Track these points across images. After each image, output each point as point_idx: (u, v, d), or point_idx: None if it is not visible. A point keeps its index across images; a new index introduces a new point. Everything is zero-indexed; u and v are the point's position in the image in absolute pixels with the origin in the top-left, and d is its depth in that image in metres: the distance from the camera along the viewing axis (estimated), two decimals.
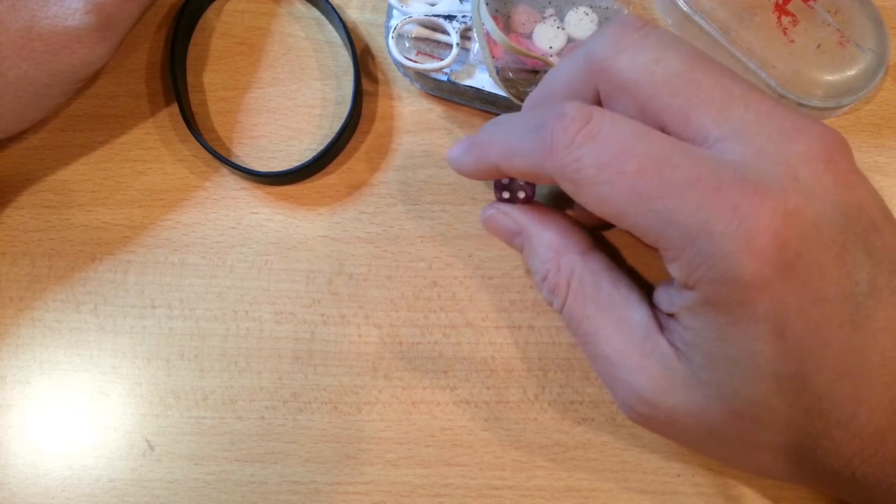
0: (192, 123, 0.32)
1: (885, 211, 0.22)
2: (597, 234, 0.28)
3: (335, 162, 0.32)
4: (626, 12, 0.32)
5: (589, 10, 0.31)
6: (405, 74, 0.32)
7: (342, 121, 0.31)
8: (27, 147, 0.32)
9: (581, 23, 0.31)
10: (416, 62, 0.31)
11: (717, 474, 0.29)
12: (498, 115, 0.32)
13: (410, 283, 0.31)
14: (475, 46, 0.31)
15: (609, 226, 0.29)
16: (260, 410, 0.30)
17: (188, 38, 0.33)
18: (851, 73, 0.31)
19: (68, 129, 0.33)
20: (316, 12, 0.34)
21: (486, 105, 0.32)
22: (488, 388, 0.30)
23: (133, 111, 0.33)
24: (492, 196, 0.30)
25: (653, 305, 0.24)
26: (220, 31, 0.34)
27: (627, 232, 0.22)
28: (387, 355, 0.30)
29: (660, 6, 0.34)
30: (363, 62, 0.33)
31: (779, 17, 0.31)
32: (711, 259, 0.20)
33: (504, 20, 0.32)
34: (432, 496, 0.29)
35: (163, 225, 0.32)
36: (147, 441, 0.29)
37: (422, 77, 0.32)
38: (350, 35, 0.32)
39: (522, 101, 0.31)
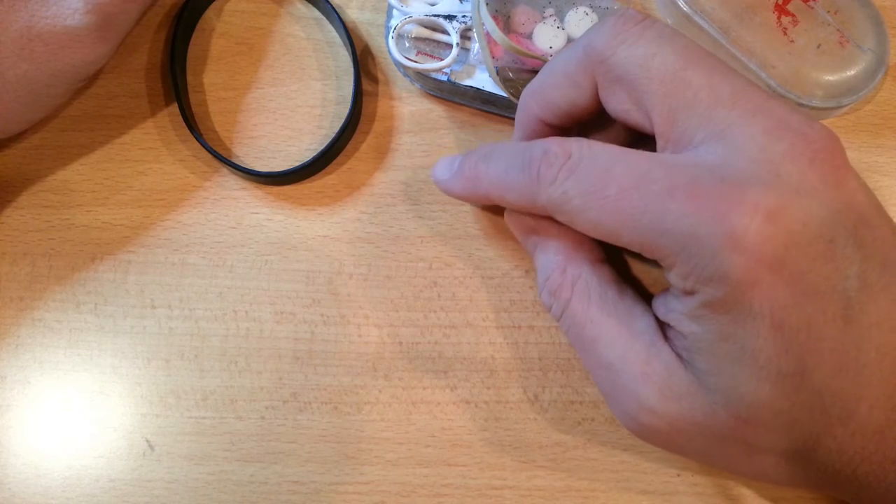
0: (192, 124, 0.32)
1: (877, 206, 0.22)
2: (609, 249, 0.28)
3: (335, 162, 0.32)
4: None
5: (589, 10, 0.31)
6: (405, 74, 0.32)
7: (342, 121, 0.31)
8: (27, 147, 0.32)
9: (581, 23, 0.31)
10: (416, 62, 0.31)
11: (717, 475, 0.29)
12: (498, 115, 0.32)
13: (410, 283, 0.31)
14: (475, 46, 0.31)
15: None
16: (260, 410, 0.30)
17: (188, 39, 0.33)
18: (851, 73, 0.31)
19: (68, 129, 0.33)
20: (316, 12, 0.34)
21: (486, 105, 0.32)
22: (488, 388, 0.30)
23: (133, 111, 0.33)
24: None
25: (656, 318, 0.25)
26: (220, 31, 0.34)
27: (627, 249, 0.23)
28: (387, 355, 0.30)
29: (660, 6, 0.34)
30: (363, 62, 0.33)
31: (779, 17, 0.32)
32: (702, 261, 0.21)
33: (504, 20, 0.32)
34: (432, 496, 0.29)
35: (163, 225, 0.32)
36: (147, 441, 0.29)
37: (422, 77, 0.32)
38: (350, 35, 0.32)
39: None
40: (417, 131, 0.33)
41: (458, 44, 0.31)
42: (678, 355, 0.23)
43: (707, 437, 0.23)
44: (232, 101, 0.33)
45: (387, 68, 0.33)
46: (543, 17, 0.32)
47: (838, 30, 0.31)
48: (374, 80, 0.33)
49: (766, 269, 0.20)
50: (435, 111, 0.33)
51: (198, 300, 0.31)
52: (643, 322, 0.24)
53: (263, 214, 0.32)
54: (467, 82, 0.31)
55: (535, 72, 0.32)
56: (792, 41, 0.31)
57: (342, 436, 0.29)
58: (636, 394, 0.23)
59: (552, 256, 0.26)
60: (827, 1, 0.32)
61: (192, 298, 0.31)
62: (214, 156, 0.31)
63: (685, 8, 0.32)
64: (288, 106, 0.33)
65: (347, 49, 0.33)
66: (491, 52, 0.30)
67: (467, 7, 0.31)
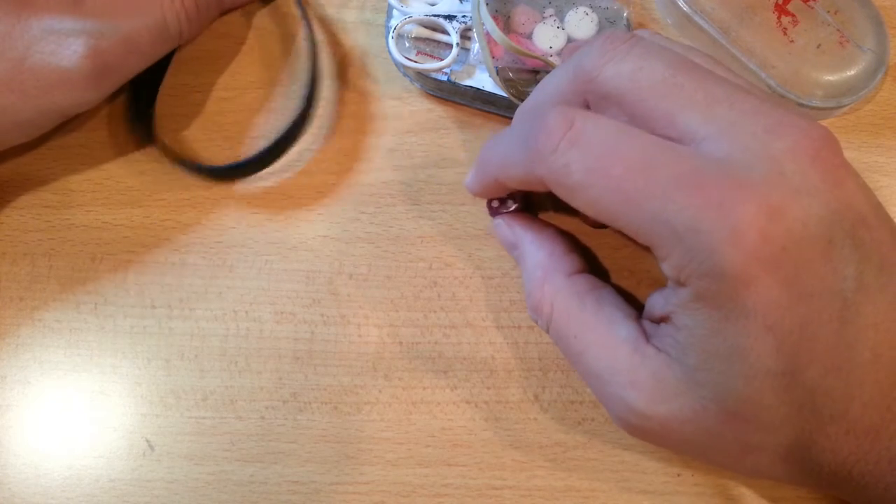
0: (147, 125, 0.31)
1: (875, 206, 0.22)
2: (590, 256, 0.28)
3: (335, 162, 0.32)
4: (625, 13, 0.32)
5: (589, 10, 0.31)
6: (405, 74, 0.32)
7: (341, 120, 0.32)
8: (27, 147, 0.32)
9: (581, 23, 0.31)
10: (416, 62, 0.31)
11: (717, 474, 0.29)
12: (498, 115, 0.32)
13: (410, 283, 0.31)
14: (475, 46, 0.31)
15: None
16: (260, 410, 0.30)
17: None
18: (851, 73, 0.31)
19: (68, 129, 0.33)
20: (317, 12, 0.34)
21: (486, 105, 0.32)
22: (488, 388, 0.30)
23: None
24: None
25: (639, 320, 0.25)
26: (220, 31, 0.34)
27: (621, 232, 0.23)
28: (387, 355, 0.30)
29: (660, 6, 0.34)
30: (363, 62, 0.33)
31: (779, 17, 0.32)
32: (699, 255, 0.21)
33: (504, 20, 0.32)
34: (432, 496, 0.29)
35: (163, 225, 0.32)
36: (147, 441, 0.29)
37: (422, 77, 0.32)
38: (306, 12, 0.32)
39: (522, 101, 0.31)
40: (417, 131, 0.33)
41: (458, 44, 0.31)
42: (667, 353, 0.23)
43: (700, 434, 0.23)
44: (232, 101, 0.33)
45: (387, 68, 0.33)
46: (543, 17, 0.32)
47: (838, 30, 0.31)
48: (375, 80, 0.33)
49: (763, 268, 0.20)
50: (435, 111, 0.33)
51: (198, 300, 0.31)
52: (624, 329, 0.24)
53: (263, 214, 0.32)
54: (467, 82, 0.31)
55: (535, 72, 0.32)
56: (792, 41, 0.31)
57: (342, 436, 0.29)
58: (625, 400, 0.23)
59: (532, 272, 0.27)
60: (827, 1, 0.32)
61: (192, 298, 0.31)
62: (179, 161, 0.31)
63: (685, 8, 0.32)
64: (288, 106, 0.33)
65: (307, 39, 0.32)
66: (491, 52, 0.30)
67: (467, 7, 0.31)
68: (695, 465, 0.29)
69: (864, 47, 0.31)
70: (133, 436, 0.30)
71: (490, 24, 0.29)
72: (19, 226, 0.32)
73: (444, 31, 0.32)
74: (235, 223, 0.32)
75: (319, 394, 0.30)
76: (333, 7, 0.34)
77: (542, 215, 0.31)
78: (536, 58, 0.30)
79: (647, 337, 0.24)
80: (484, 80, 0.31)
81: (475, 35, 0.30)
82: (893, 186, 0.32)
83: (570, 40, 0.31)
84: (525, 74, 0.32)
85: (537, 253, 0.27)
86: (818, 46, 0.31)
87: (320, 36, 0.34)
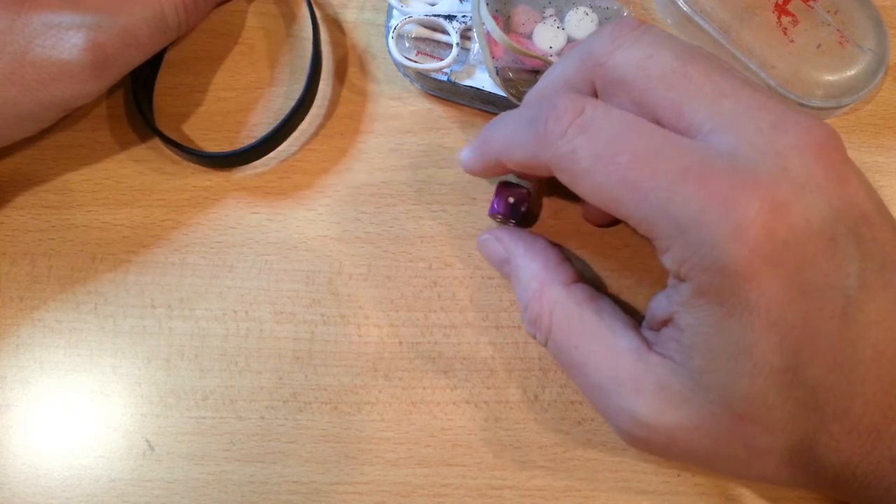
0: (145, 114, 0.32)
1: (878, 203, 0.22)
2: (582, 264, 0.28)
3: (335, 161, 0.32)
4: (626, 13, 0.32)
5: (589, 10, 0.31)
6: (405, 74, 0.32)
7: (342, 120, 0.32)
8: (27, 147, 0.32)
9: (581, 23, 0.31)
10: (416, 62, 0.31)
11: (717, 475, 0.29)
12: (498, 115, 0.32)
13: (410, 283, 0.31)
14: (475, 46, 0.31)
15: (615, 222, 0.30)
16: (260, 410, 0.30)
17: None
18: (851, 73, 0.31)
19: (68, 129, 0.33)
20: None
21: (486, 105, 0.32)
22: (488, 388, 0.30)
23: (133, 111, 0.33)
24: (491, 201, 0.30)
25: (638, 328, 0.25)
26: (220, 31, 0.34)
27: (621, 232, 0.23)
28: (387, 355, 0.30)
29: (660, 6, 0.34)
30: (363, 62, 0.33)
31: (779, 17, 0.32)
32: (702, 248, 0.21)
33: (504, 20, 0.32)
34: (432, 496, 0.29)
35: (163, 225, 0.32)
36: (147, 441, 0.29)
37: (422, 77, 0.32)
38: (313, 11, 0.32)
39: (522, 101, 0.31)
40: (417, 131, 0.33)
41: (458, 44, 0.31)
42: (671, 359, 0.23)
43: (707, 441, 0.23)
44: (232, 101, 0.33)
45: (387, 68, 0.33)
46: (543, 17, 0.32)
47: (838, 30, 0.31)
48: (375, 80, 0.33)
49: (765, 263, 0.20)
50: (435, 111, 0.33)
51: (198, 300, 0.31)
52: (625, 339, 0.24)
53: (263, 214, 0.32)
54: (467, 82, 0.31)
55: (535, 72, 0.32)
56: (792, 41, 0.31)
57: (342, 436, 0.29)
58: (631, 412, 0.23)
59: (527, 284, 0.27)
60: (827, 1, 0.32)
61: (192, 298, 0.31)
62: (176, 147, 0.31)
63: (685, 8, 0.32)
64: (288, 106, 0.33)
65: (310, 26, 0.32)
66: (491, 52, 0.30)
67: (467, 7, 0.31)
68: (695, 467, 0.29)
69: (864, 47, 0.31)
70: (133, 436, 0.30)
71: (490, 24, 0.29)
72: (19, 226, 0.32)
73: (444, 31, 0.32)
74: (235, 223, 0.32)
75: (319, 394, 0.30)
76: (333, 7, 0.34)
77: (538, 227, 0.31)
78: (536, 58, 0.30)
79: (650, 345, 0.24)
80: (484, 80, 0.31)
81: (475, 35, 0.30)
82: (893, 186, 0.32)
83: (570, 40, 0.31)
84: (525, 74, 0.32)
85: (531, 264, 0.27)
86: (818, 46, 0.31)
87: (322, 35, 0.34)
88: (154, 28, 0.29)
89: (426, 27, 0.32)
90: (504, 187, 0.30)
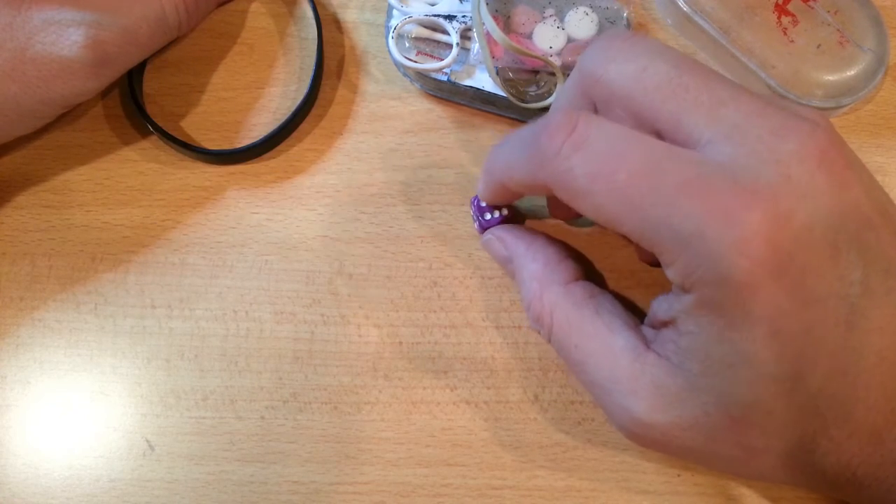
0: (142, 109, 0.32)
1: (881, 206, 0.22)
2: (584, 261, 0.28)
3: (335, 162, 0.32)
4: (625, 13, 0.32)
5: (589, 10, 0.31)
6: (405, 74, 0.32)
7: (342, 120, 0.32)
8: (27, 147, 0.32)
9: (581, 23, 0.31)
10: (416, 62, 0.31)
11: (717, 475, 0.29)
12: (498, 115, 0.32)
13: (410, 283, 0.31)
14: (475, 46, 0.31)
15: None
16: (260, 410, 0.30)
17: None
18: (851, 73, 0.31)
19: (68, 128, 0.33)
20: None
21: (486, 105, 0.32)
22: (488, 388, 0.30)
23: (133, 111, 0.33)
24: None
25: (638, 326, 0.25)
26: (219, 31, 0.34)
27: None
28: (387, 355, 0.30)
29: (660, 6, 0.34)
30: (363, 62, 0.33)
31: (779, 17, 0.32)
32: (706, 262, 0.20)
33: (504, 20, 0.32)
34: (432, 496, 0.29)
35: (163, 225, 0.32)
36: (147, 441, 0.29)
37: (422, 77, 0.32)
38: (317, 11, 0.32)
39: (522, 101, 0.31)
40: (417, 131, 0.33)
41: (458, 44, 0.31)
42: (668, 359, 0.23)
43: (702, 440, 0.23)
44: (232, 101, 0.33)
45: (387, 68, 0.33)
46: (543, 17, 0.32)
47: (838, 30, 0.31)
48: (375, 80, 0.33)
49: (769, 276, 0.20)
50: (435, 111, 0.33)
51: (198, 300, 0.31)
52: (623, 338, 0.24)
53: (263, 214, 0.32)
54: (467, 82, 0.31)
55: (535, 72, 0.32)
56: (792, 41, 0.31)
57: (342, 436, 0.29)
58: (627, 409, 0.23)
59: (529, 284, 0.27)
60: (827, 1, 0.32)
61: (192, 298, 0.31)
62: (176, 143, 0.31)
63: (685, 8, 0.32)
64: (288, 106, 0.33)
65: (315, 26, 0.33)
66: (491, 52, 0.30)
67: (467, 7, 0.31)
68: (695, 466, 0.29)
69: (864, 47, 0.31)
70: (133, 436, 0.30)
71: (490, 24, 0.29)
72: (19, 226, 0.32)
73: (444, 31, 0.32)
74: (235, 223, 0.32)
75: (319, 394, 0.30)
76: (333, 7, 0.34)
77: (537, 223, 0.31)
78: (536, 58, 0.30)
79: (648, 343, 0.24)
80: (484, 80, 0.31)
81: (475, 35, 0.30)
82: (893, 186, 0.32)
83: (570, 40, 0.31)
84: (525, 74, 0.32)
85: (531, 264, 0.27)
86: (818, 46, 0.31)
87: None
88: (154, 27, 0.29)
89: (426, 27, 0.32)
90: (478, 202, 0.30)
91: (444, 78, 0.31)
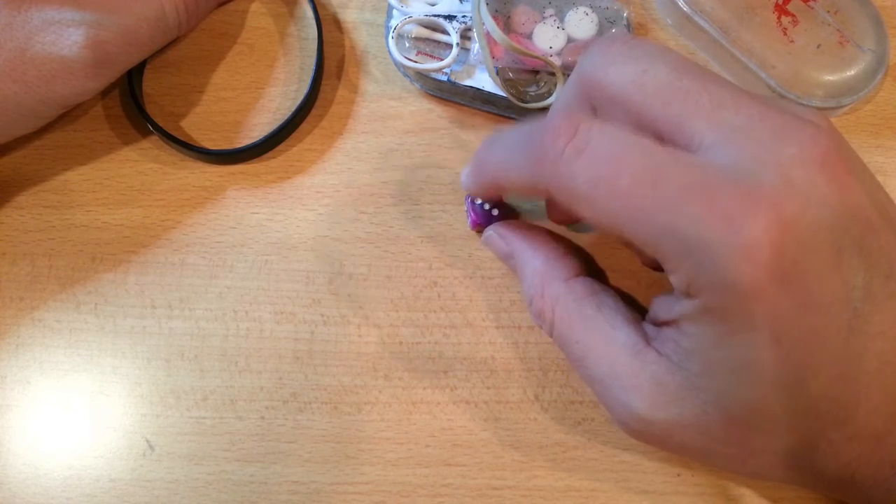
0: (143, 108, 0.32)
1: (883, 208, 0.22)
2: (586, 256, 0.28)
3: (335, 162, 0.32)
4: (625, 13, 0.32)
5: (589, 10, 0.31)
6: (405, 74, 0.32)
7: (342, 120, 0.32)
8: (27, 147, 0.32)
9: (581, 23, 0.31)
10: (416, 62, 0.31)
11: (717, 475, 0.29)
12: (498, 115, 0.32)
13: (410, 283, 0.31)
14: (475, 46, 0.31)
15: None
16: (260, 410, 0.30)
17: None
18: (851, 73, 0.31)
19: (68, 128, 0.33)
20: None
21: (486, 105, 0.32)
22: (488, 388, 0.30)
23: (132, 111, 0.33)
24: None
25: (640, 322, 0.25)
26: (219, 31, 0.34)
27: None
28: (387, 355, 0.30)
29: (660, 6, 0.34)
30: (363, 62, 0.33)
31: (779, 17, 0.32)
32: (709, 269, 0.20)
33: (504, 20, 0.32)
34: (432, 496, 0.29)
35: (163, 225, 0.32)
36: (147, 441, 0.29)
37: (422, 77, 0.32)
38: (317, 12, 0.32)
39: (522, 101, 0.31)
40: (417, 131, 0.33)
41: (458, 44, 0.31)
42: (668, 358, 0.23)
43: (701, 438, 0.23)
44: (232, 101, 0.33)
45: (387, 68, 0.33)
46: (543, 17, 0.32)
47: (838, 30, 0.31)
48: (375, 80, 0.33)
49: (772, 282, 0.20)
50: (435, 111, 0.33)
51: (198, 300, 0.31)
52: (624, 334, 0.24)
53: (263, 214, 0.32)
54: (467, 82, 0.31)
55: (535, 72, 0.32)
56: (792, 41, 0.31)
57: (342, 436, 0.29)
58: (627, 405, 0.23)
59: (530, 280, 0.27)
60: (827, 1, 0.32)
61: (192, 298, 0.31)
62: (176, 143, 0.31)
63: (685, 8, 0.32)
64: (288, 106, 0.33)
65: (315, 25, 0.33)
66: (491, 52, 0.30)
67: (467, 7, 0.31)
68: (695, 466, 0.29)
69: (864, 47, 0.31)
70: (133, 436, 0.30)
71: (490, 24, 0.29)
72: (19, 226, 0.32)
73: (444, 31, 0.32)
74: (235, 223, 0.32)
75: (319, 394, 0.30)
76: (333, 7, 0.34)
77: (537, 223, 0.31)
78: (536, 58, 0.30)
79: (649, 340, 0.24)
80: (484, 80, 0.31)
81: (475, 35, 0.30)
82: (893, 186, 0.32)
83: (570, 40, 0.31)
84: (525, 74, 0.32)
85: (532, 261, 0.27)
86: (818, 46, 0.31)
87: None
88: (154, 27, 0.29)
89: (426, 27, 0.32)
90: (473, 198, 0.30)
91: (444, 78, 0.31)
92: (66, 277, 0.31)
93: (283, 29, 0.34)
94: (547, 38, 0.31)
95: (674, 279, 0.22)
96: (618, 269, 0.30)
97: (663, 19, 0.34)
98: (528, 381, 0.30)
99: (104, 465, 0.29)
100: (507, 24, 0.32)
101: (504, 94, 0.31)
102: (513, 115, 0.32)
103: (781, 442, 0.22)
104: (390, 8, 0.32)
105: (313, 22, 0.33)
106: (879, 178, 0.23)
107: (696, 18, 0.32)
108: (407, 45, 0.32)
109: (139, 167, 0.32)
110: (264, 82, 0.33)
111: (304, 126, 0.33)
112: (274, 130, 0.31)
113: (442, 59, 0.31)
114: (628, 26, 0.32)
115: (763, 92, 0.31)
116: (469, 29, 0.31)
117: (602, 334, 0.24)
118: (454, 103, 0.33)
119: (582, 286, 0.26)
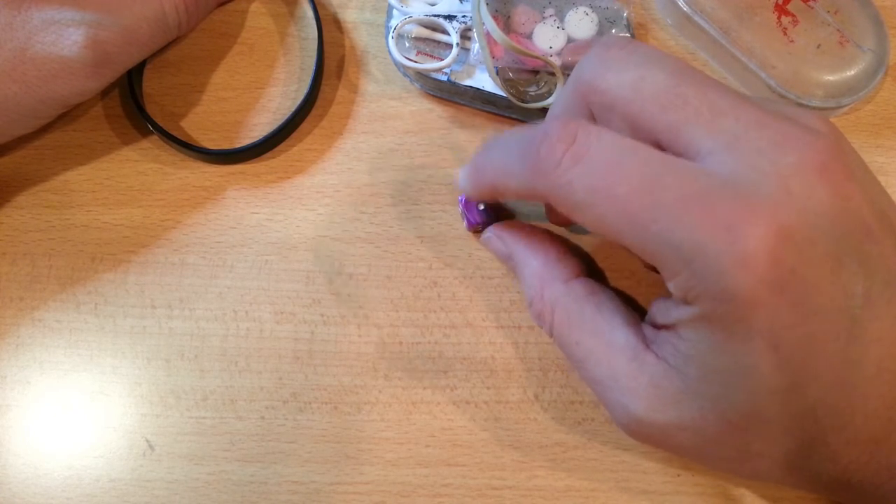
0: (142, 108, 0.32)
1: (883, 214, 0.22)
2: (586, 257, 0.28)
3: (335, 162, 0.32)
4: (625, 13, 0.32)
5: (589, 10, 0.31)
6: (405, 74, 0.32)
7: (342, 120, 0.32)
8: (27, 147, 0.32)
9: (581, 23, 0.31)
10: (416, 62, 0.31)
11: (717, 475, 0.29)
12: (498, 115, 0.32)
13: (410, 283, 0.31)
14: (475, 46, 0.31)
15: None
16: (260, 410, 0.30)
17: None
18: (851, 73, 0.31)
19: (68, 128, 0.33)
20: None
21: (486, 105, 0.32)
22: (488, 388, 0.30)
23: (132, 111, 0.33)
24: None
25: (639, 324, 0.25)
26: (220, 31, 0.34)
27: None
28: (387, 355, 0.30)
29: (660, 6, 0.34)
30: (363, 62, 0.33)
31: (779, 17, 0.32)
32: (707, 278, 0.20)
33: (504, 20, 0.32)
34: (432, 496, 0.29)
35: (163, 225, 0.32)
36: (147, 441, 0.29)
37: (422, 77, 0.32)
38: (317, 12, 0.32)
39: (523, 101, 0.31)
40: (417, 131, 0.33)
41: (458, 44, 0.31)
42: (666, 361, 0.23)
43: (698, 440, 0.23)
44: (232, 101, 0.33)
45: (387, 68, 0.33)
46: (543, 17, 0.32)
47: (838, 30, 0.31)
48: (375, 80, 0.33)
49: (770, 290, 0.20)
50: (435, 111, 0.33)
51: (198, 300, 0.31)
52: (623, 336, 0.24)
53: (263, 214, 0.32)
54: (467, 82, 0.31)
55: (535, 72, 0.32)
56: (792, 41, 0.31)
57: (342, 436, 0.29)
58: (625, 406, 0.23)
59: (530, 281, 0.27)
60: (827, 1, 0.32)
61: (192, 298, 0.31)
62: (175, 142, 0.31)
63: (685, 8, 0.32)
64: (287, 106, 0.33)
65: (315, 25, 0.33)
66: (491, 52, 0.30)
67: (467, 7, 0.31)
68: (695, 466, 0.29)
69: (864, 47, 0.31)
70: (133, 436, 0.30)
71: (490, 24, 0.29)
72: (19, 226, 0.32)
73: (444, 31, 0.32)
74: (235, 223, 0.32)
75: (319, 394, 0.30)
76: (333, 7, 0.34)
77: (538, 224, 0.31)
78: (536, 58, 0.30)
79: (648, 342, 0.24)
80: (484, 80, 0.31)
81: (475, 35, 0.30)
82: (894, 186, 0.32)
83: (570, 40, 0.31)
84: (525, 74, 0.32)
85: (531, 262, 0.27)
86: (818, 46, 0.31)
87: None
88: (154, 27, 0.29)
89: (426, 27, 0.32)
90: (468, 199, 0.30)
91: (444, 78, 0.31)
92: (66, 277, 0.31)
93: (283, 29, 0.34)
94: (547, 38, 0.31)
95: (671, 286, 0.22)
96: (618, 270, 0.30)
97: (663, 19, 0.34)
98: (528, 381, 0.30)
99: (104, 465, 0.29)
100: (507, 24, 0.32)
101: (504, 94, 0.31)
102: (513, 115, 0.32)
103: (779, 446, 0.22)
104: (390, 8, 0.32)
105: (313, 22, 0.33)
106: (880, 179, 0.23)
107: (696, 18, 0.32)
108: (407, 45, 0.32)
109: (139, 167, 0.32)
110: (264, 82, 0.33)
111: (304, 126, 0.33)
112: (274, 130, 0.31)
113: (442, 59, 0.31)
114: (628, 26, 0.32)
115: (763, 92, 0.31)
116: (469, 29, 0.31)
117: (601, 335, 0.24)
118: (454, 103, 0.33)
119: (581, 287, 0.26)
